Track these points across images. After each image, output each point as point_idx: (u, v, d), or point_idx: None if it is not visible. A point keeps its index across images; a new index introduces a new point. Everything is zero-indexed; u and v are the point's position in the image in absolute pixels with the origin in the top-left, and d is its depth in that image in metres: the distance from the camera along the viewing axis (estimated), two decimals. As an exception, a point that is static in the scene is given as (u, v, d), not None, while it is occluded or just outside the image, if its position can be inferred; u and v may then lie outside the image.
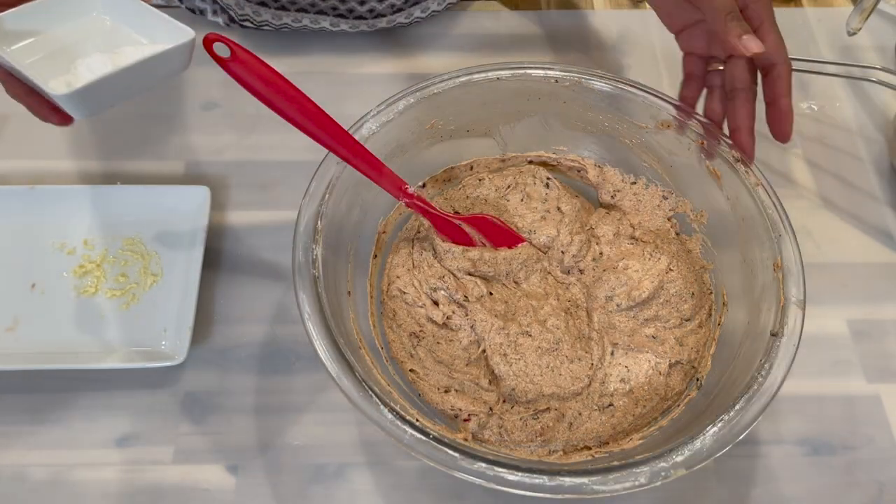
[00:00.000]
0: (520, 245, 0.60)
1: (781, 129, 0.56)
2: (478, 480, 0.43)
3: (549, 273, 0.60)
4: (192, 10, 0.77)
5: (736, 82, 0.57)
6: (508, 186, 0.64)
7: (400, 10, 0.76)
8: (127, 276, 0.61)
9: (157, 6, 0.78)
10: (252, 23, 0.75)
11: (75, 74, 0.44)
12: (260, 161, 0.69)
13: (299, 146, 0.68)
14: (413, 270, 0.59)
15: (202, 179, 0.67)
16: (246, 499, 0.53)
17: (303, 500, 0.53)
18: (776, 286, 0.51)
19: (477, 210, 0.63)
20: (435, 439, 0.44)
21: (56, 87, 0.43)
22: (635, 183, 0.63)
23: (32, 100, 0.48)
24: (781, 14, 0.67)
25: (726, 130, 0.58)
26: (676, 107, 0.59)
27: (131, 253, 0.62)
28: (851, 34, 0.69)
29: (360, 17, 0.75)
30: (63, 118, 0.48)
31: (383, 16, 0.75)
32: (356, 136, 0.55)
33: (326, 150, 0.54)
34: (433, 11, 0.78)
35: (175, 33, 0.47)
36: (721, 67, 0.59)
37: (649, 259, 0.60)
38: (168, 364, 0.55)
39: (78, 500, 0.52)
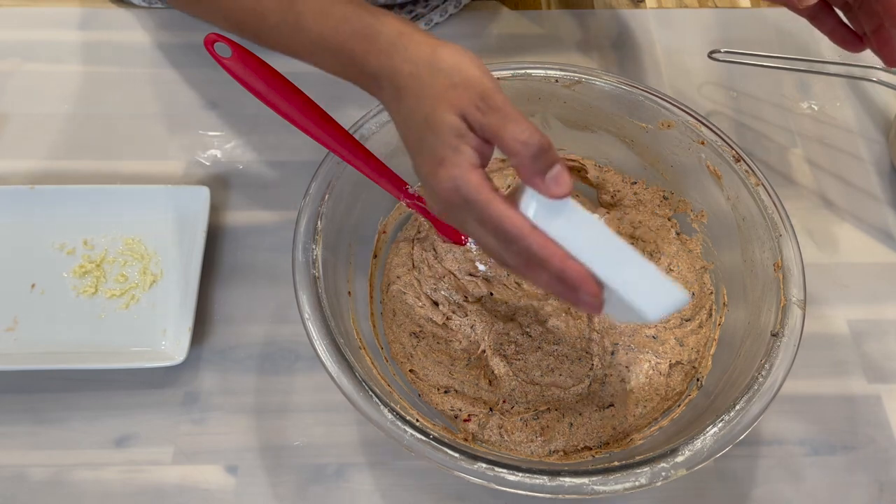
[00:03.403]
0: (520, 245, 0.60)
1: (894, 12, 0.49)
2: (478, 481, 0.43)
3: (550, 273, 0.60)
4: None
5: None
6: (508, 186, 0.64)
7: None
8: (127, 276, 0.61)
9: (158, 8, 0.78)
10: None
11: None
12: (260, 161, 0.69)
13: (299, 146, 0.68)
14: (413, 270, 0.59)
15: (202, 179, 0.67)
16: (246, 499, 0.53)
17: (303, 500, 0.53)
18: (777, 286, 0.51)
19: (477, 210, 0.62)
20: (435, 440, 0.44)
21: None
22: (635, 183, 0.63)
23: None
24: (782, 14, 0.67)
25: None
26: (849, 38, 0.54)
27: (131, 253, 0.62)
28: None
29: None
30: (598, 309, 0.41)
31: None
32: (356, 136, 0.55)
33: (326, 150, 0.54)
34: (436, 23, 0.78)
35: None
36: None
37: (649, 259, 0.60)
38: (168, 364, 0.55)
39: (78, 500, 0.52)
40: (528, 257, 0.40)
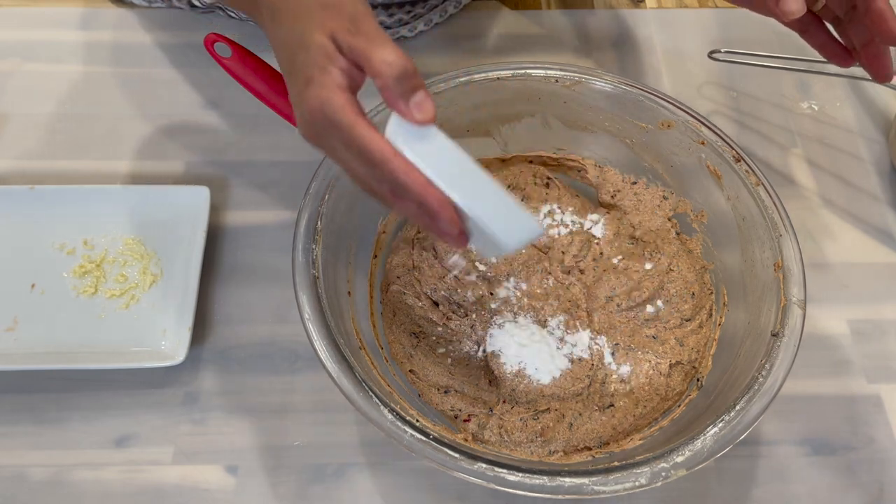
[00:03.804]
0: (520, 245, 0.60)
1: (884, 27, 0.49)
2: (478, 481, 0.43)
3: (550, 273, 0.60)
4: (192, 6, 0.77)
5: None
6: (508, 186, 0.64)
7: (406, 23, 0.76)
8: (126, 276, 0.61)
9: (158, 8, 0.78)
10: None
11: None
12: (260, 161, 0.69)
13: (299, 146, 0.67)
14: (413, 271, 0.59)
15: (202, 179, 0.67)
16: (246, 499, 0.53)
17: (303, 500, 0.53)
18: (777, 286, 0.51)
19: (477, 210, 0.62)
20: (435, 440, 0.44)
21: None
22: (635, 183, 0.63)
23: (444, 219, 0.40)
24: (782, 14, 0.67)
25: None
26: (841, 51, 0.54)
27: (131, 253, 0.62)
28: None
29: None
30: (461, 241, 0.42)
31: (389, 28, 0.76)
32: (356, 136, 0.55)
33: (326, 150, 0.54)
34: (436, 23, 0.78)
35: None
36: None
37: (649, 259, 0.60)
38: (168, 364, 0.55)
39: (78, 500, 0.52)
40: (392, 184, 0.40)
